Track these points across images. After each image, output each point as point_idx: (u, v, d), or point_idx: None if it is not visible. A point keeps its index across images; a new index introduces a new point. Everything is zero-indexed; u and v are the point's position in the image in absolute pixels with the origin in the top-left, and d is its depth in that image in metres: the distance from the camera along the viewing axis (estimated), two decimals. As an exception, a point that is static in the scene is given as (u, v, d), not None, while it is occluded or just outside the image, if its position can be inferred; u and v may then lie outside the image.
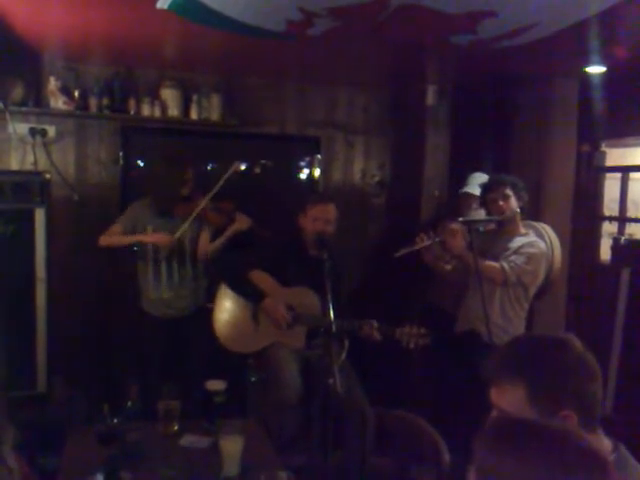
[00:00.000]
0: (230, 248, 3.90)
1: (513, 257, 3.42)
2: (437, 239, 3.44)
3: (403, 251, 3.38)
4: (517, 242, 3.49)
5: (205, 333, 3.62)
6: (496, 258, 3.44)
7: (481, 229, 3.69)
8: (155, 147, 4.59)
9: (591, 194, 4.44)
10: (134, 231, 3.84)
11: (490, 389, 1.44)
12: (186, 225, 3.73)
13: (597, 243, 4.52)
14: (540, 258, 3.47)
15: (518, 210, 3.50)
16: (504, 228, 3.54)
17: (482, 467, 1.14)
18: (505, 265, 3.38)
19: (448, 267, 3.67)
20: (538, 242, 3.51)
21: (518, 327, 3.52)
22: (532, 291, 3.54)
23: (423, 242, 3.41)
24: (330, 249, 3.31)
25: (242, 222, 3.80)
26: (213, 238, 3.90)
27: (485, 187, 3.60)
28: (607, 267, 4.10)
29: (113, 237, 3.79)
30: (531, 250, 3.44)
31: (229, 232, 3.83)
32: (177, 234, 3.73)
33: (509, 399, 1.39)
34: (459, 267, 3.58)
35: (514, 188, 3.49)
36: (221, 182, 3.75)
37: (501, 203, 3.47)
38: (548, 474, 1.05)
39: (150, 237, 3.78)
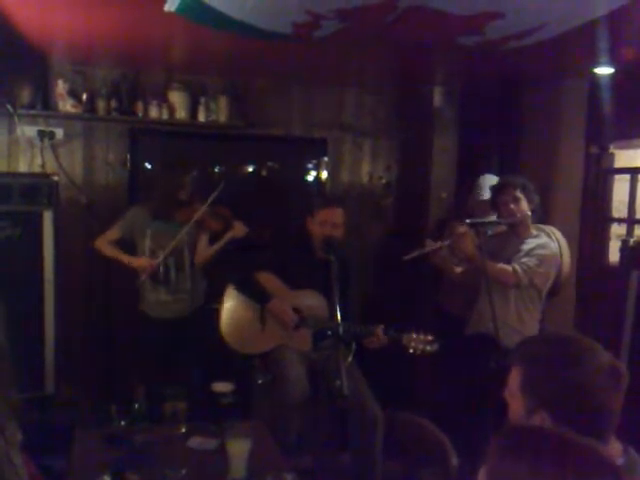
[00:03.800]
0: (231, 252, 3.90)
1: (525, 259, 3.40)
2: (447, 242, 3.43)
3: (413, 254, 3.37)
4: (529, 244, 3.47)
5: (205, 334, 3.63)
6: (508, 261, 3.42)
7: (489, 232, 3.67)
8: (163, 149, 4.60)
9: (599, 196, 4.41)
10: (132, 235, 3.88)
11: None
12: (173, 244, 3.75)
13: (606, 245, 4.49)
14: (552, 259, 3.46)
15: (529, 213, 3.48)
16: (515, 230, 3.52)
17: (494, 472, 1.14)
18: (517, 267, 3.37)
19: (458, 270, 3.66)
20: (549, 243, 3.49)
21: (532, 329, 3.50)
22: (544, 292, 3.53)
23: (433, 245, 3.40)
24: (337, 252, 3.31)
25: (238, 229, 3.84)
26: (210, 243, 3.93)
27: (495, 189, 3.58)
28: (616, 269, 4.07)
29: (105, 246, 3.85)
30: (543, 252, 3.42)
31: (225, 238, 3.85)
32: (159, 259, 3.76)
33: (512, 380, 1.49)
34: (469, 270, 3.57)
35: (525, 190, 3.46)
36: (220, 187, 3.77)
37: (512, 206, 3.44)
38: None
39: (131, 261, 3.82)
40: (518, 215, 3.44)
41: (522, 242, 3.49)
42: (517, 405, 1.44)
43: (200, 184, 3.98)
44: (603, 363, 1.42)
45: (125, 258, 3.83)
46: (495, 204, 3.56)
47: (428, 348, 3.20)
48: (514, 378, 1.47)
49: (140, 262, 3.80)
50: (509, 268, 3.37)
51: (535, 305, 3.51)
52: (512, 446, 1.14)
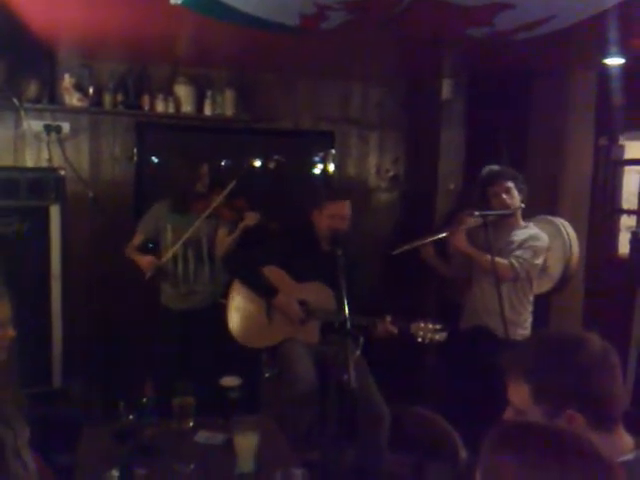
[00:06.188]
0: (243, 244, 3.90)
1: (519, 252, 3.39)
2: (437, 237, 3.48)
3: (402, 249, 3.40)
4: (520, 235, 3.47)
5: (219, 328, 3.62)
6: (499, 252, 3.40)
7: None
8: (169, 143, 4.59)
9: (609, 187, 4.38)
10: (157, 232, 3.90)
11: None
12: (184, 237, 3.74)
13: (615, 237, 4.47)
14: (545, 250, 3.46)
15: (522, 204, 3.48)
16: (506, 221, 3.50)
17: (486, 470, 1.14)
18: (514, 262, 3.36)
19: (443, 267, 3.71)
20: (541, 234, 3.50)
21: (526, 319, 3.52)
22: (535, 283, 3.53)
23: (422, 240, 3.48)
24: (344, 244, 3.29)
25: (250, 218, 3.81)
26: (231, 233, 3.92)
27: (485, 180, 3.56)
28: (625, 261, 4.05)
29: (131, 253, 3.89)
30: (537, 243, 3.43)
31: (240, 228, 3.84)
32: (164, 259, 3.78)
33: (517, 396, 1.43)
34: (460, 265, 3.58)
35: (515, 181, 3.47)
36: (235, 180, 3.76)
37: (504, 196, 3.44)
38: (549, 478, 1.05)
39: (138, 260, 3.84)
40: (511, 206, 3.44)
41: (512, 233, 3.49)
42: (533, 417, 1.40)
43: (215, 176, 3.98)
44: (598, 348, 1.41)
45: (135, 258, 3.87)
46: (485, 195, 3.53)
47: (437, 337, 3.19)
48: (520, 393, 1.42)
49: (142, 261, 3.83)
50: (506, 263, 3.35)
51: (527, 295, 3.53)
52: (501, 442, 1.14)
